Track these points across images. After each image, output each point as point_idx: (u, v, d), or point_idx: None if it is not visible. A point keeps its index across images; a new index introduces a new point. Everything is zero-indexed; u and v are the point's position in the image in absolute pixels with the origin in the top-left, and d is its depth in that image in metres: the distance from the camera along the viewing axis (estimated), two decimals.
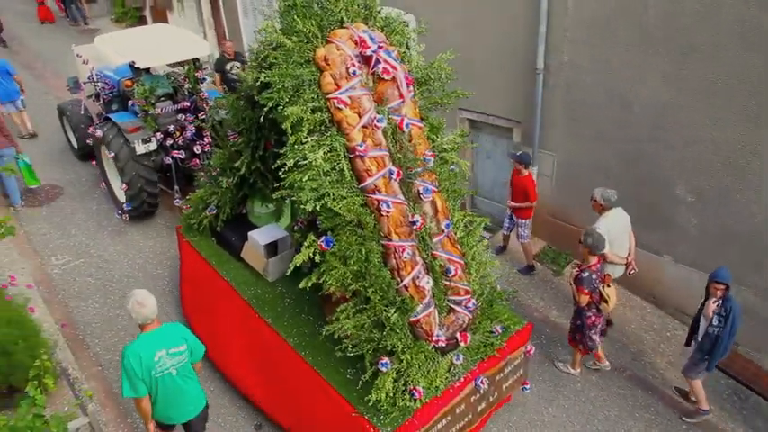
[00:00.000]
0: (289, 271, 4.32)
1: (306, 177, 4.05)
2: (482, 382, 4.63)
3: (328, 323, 4.37)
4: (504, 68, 7.45)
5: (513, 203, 7.20)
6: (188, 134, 8.07)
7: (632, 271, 6.19)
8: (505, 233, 7.79)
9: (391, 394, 4.20)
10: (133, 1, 16.75)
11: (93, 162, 8.68)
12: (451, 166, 4.94)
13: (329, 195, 4.08)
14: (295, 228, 5.47)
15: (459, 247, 4.75)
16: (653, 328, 6.65)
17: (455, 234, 4.76)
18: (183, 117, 8.21)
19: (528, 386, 5.52)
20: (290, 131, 4.12)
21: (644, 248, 6.59)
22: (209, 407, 4.68)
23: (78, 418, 4.74)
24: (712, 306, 5.06)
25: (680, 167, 6.18)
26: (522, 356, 5.16)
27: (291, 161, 4.08)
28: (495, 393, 5.02)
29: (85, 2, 17.99)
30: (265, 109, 4.30)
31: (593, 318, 5.64)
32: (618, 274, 6.21)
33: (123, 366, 4.09)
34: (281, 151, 4.22)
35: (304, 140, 4.12)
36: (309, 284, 4.27)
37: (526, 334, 5.11)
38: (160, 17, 15.78)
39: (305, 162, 4.06)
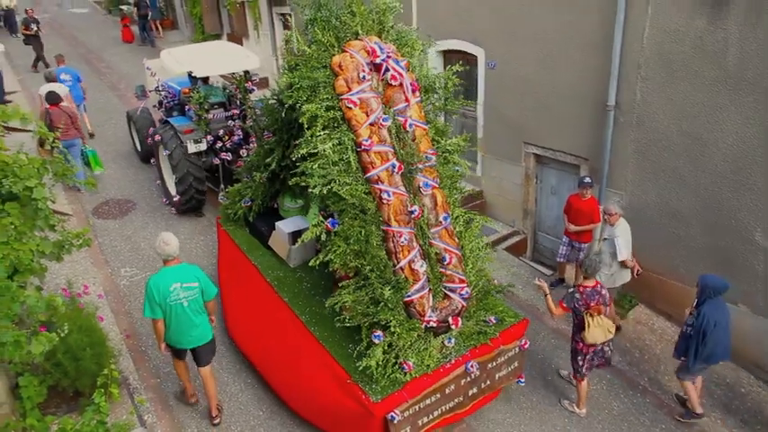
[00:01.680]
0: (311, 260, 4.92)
1: (316, 165, 4.69)
2: (472, 367, 5.00)
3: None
4: (573, 103, 7.34)
5: (575, 227, 7.09)
6: (235, 138, 8.81)
7: (639, 271, 6.48)
8: (561, 260, 7.60)
9: (382, 364, 4.64)
10: (212, 28, 17.63)
11: (152, 161, 9.61)
12: (456, 167, 5.49)
13: (336, 182, 4.67)
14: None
15: (456, 240, 5.20)
16: (725, 382, 6.25)
17: (454, 227, 5.23)
18: (233, 123, 8.94)
19: (523, 380, 5.75)
20: (306, 126, 4.76)
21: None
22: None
23: (136, 428, 4.87)
24: (689, 307, 5.38)
25: (760, 212, 5.86)
26: (518, 350, 5.44)
27: (305, 150, 4.73)
28: (488, 381, 5.33)
29: (160, 28, 19.79)
30: (286, 106, 5.05)
31: (580, 344, 5.48)
32: (627, 280, 6.51)
33: (146, 292, 4.96)
34: (297, 142, 4.90)
35: (318, 134, 4.73)
36: (317, 263, 4.86)
37: (522, 328, 5.43)
38: (236, 43, 16.50)
39: (316, 152, 4.69)
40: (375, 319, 4.70)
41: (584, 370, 5.59)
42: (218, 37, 17.56)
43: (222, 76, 9.83)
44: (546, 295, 5.54)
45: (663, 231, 6.79)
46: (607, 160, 7.08)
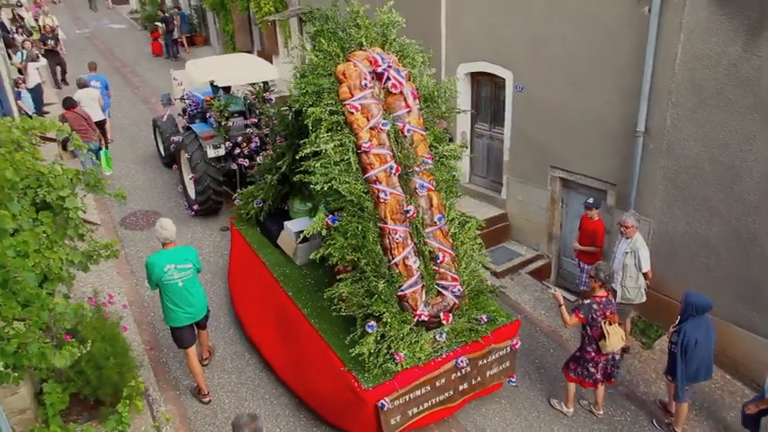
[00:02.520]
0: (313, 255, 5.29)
1: (319, 164, 5.04)
2: (462, 362, 5.24)
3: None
4: (602, 128, 7.28)
5: (578, 246, 7.17)
6: (253, 145, 9.21)
7: (648, 284, 6.48)
8: (584, 288, 7.47)
9: (374, 352, 4.91)
10: (243, 45, 17.97)
11: (174, 167, 10.18)
12: (453, 172, 5.82)
13: (336, 180, 5.00)
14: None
15: (450, 240, 5.49)
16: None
17: (449, 229, 5.52)
18: (251, 131, 9.33)
19: (514, 379, 5.99)
20: (311, 128, 5.14)
21: (749, 330, 6.08)
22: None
23: None
24: (672, 325, 5.46)
25: None
26: (509, 349, 5.65)
27: (309, 150, 5.10)
28: (479, 378, 5.53)
29: (185, 43, 20.53)
30: (293, 109, 5.50)
31: (592, 354, 5.54)
32: (640, 298, 6.47)
33: (146, 270, 5.65)
34: (302, 142, 5.26)
35: (321, 136, 5.08)
36: (318, 256, 5.22)
37: (514, 329, 5.68)
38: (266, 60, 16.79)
39: (319, 151, 5.04)
40: (369, 311, 4.99)
41: (599, 376, 5.65)
42: (248, 54, 17.88)
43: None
44: (560, 305, 5.55)
45: (691, 260, 6.65)
46: (635, 186, 6.98)
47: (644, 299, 6.53)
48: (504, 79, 8.51)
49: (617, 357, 5.66)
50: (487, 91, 9.21)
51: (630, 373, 6.62)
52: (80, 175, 4.83)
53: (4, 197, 3.86)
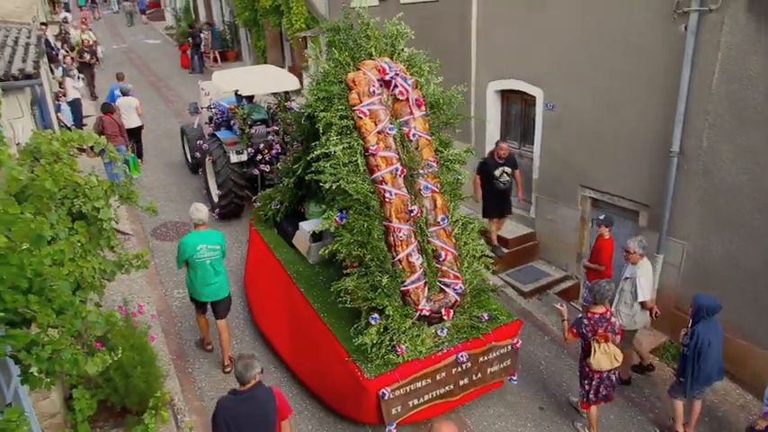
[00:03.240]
0: (324, 252, 5.63)
1: (328, 164, 5.35)
2: (462, 357, 5.42)
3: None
4: (634, 148, 7.16)
5: (589, 264, 6.99)
6: (274, 152, 9.59)
7: (657, 314, 6.38)
8: (585, 304, 7.31)
9: (377, 343, 5.14)
10: (274, 60, 18.28)
11: (200, 171, 10.73)
12: (457, 175, 6.06)
13: (344, 179, 5.28)
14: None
15: (453, 240, 5.71)
16: None
17: (452, 229, 5.75)
18: (272, 138, 9.72)
19: (515, 377, 6.09)
20: (322, 131, 5.47)
21: None
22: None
23: None
24: (684, 328, 5.48)
25: None
26: (510, 348, 5.80)
27: (319, 151, 5.44)
28: (480, 374, 5.69)
29: (215, 57, 21.34)
30: (305, 114, 5.90)
31: (587, 369, 5.49)
32: (647, 321, 6.42)
33: (178, 249, 6.17)
34: (313, 144, 5.62)
35: (332, 139, 5.39)
36: (326, 252, 5.56)
37: (515, 328, 5.85)
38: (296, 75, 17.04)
39: (329, 153, 5.37)
40: (373, 304, 5.22)
41: (591, 395, 5.58)
42: None
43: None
44: (563, 320, 5.58)
45: (726, 285, 6.45)
46: (668, 208, 6.83)
47: (637, 327, 6.32)
48: (534, 97, 8.46)
49: (612, 378, 5.54)
50: (517, 108, 9.18)
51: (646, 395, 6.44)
52: (114, 187, 4.93)
53: (43, 207, 3.95)
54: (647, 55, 6.74)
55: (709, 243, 6.59)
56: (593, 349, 5.30)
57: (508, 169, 8.12)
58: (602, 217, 6.97)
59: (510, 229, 9.12)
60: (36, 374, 3.18)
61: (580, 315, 5.50)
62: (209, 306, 6.53)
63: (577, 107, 7.80)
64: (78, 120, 13.61)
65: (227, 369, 6.55)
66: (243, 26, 19.98)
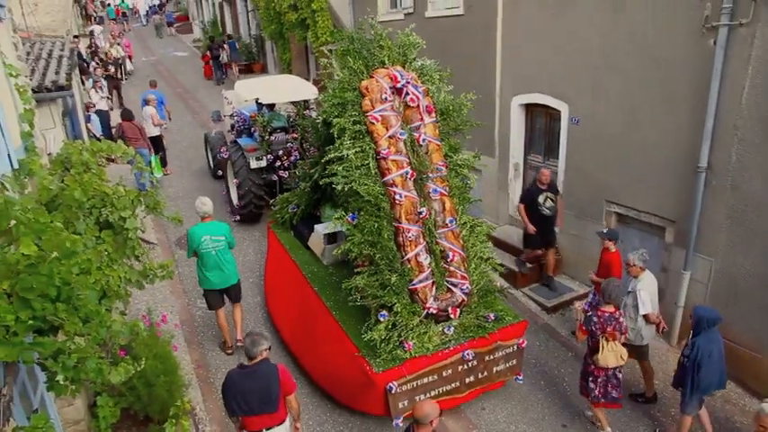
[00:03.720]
0: (337, 251, 5.87)
1: (341, 167, 5.57)
2: (468, 355, 5.59)
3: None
4: (660, 163, 7.05)
5: (595, 278, 6.86)
6: (292, 158, 9.91)
7: (664, 329, 6.33)
8: (586, 308, 7.16)
9: (385, 339, 5.32)
10: (299, 73, 18.47)
11: (219, 172, 11.20)
12: (466, 180, 6.27)
13: (356, 181, 5.49)
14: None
15: (461, 241, 5.90)
16: None
17: (460, 231, 5.94)
18: (291, 145, 10.06)
19: (521, 377, 6.25)
20: (336, 136, 5.70)
21: None
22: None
23: None
24: (685, 339, 5.51)
25: None
26: (516, 348, 5.98)
27: (333, 155, 5.66)
28: (485, 373, 5.87)
29: (235, 69, 21.97)
30: (320, 120, 6.20)
31: (591, 366, 5.61)
32: (652, 335, 6.29)
33: (187, 239, 6.67)
34: (327, 148, 5.90)
35: (345, 143, 5.62)
36: (339, 252, 5.82)
37: (521, 329, 6.00)
38: (321, 90, 17.20)
39: (342, 156, 5.59)
40: (382, 301, 5.42)
41: (597, 393, 5.64)
42: None
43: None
44: (577, 320, 5.77)
45: (757, 303, 6.29)
46: (696, 224, 6.70)
47: (644, 342, 6.20)
48: (559, 111, 8.41)
49: (618, 376, 5.61)
50: (542, 122, 9.12)
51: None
52: (141, 197, 5.01)
53: (72, 216, 4.03)
54: (675, 69, 6.66)
55: (738, 260, 6.44)
56: (600, 346, 5.41)
57: (552, 195, 7.99)
58: (605, 230, 6.97)
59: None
60: (62, 382, 3.23)
61: (590, 313, 5.58)
62: (225, 299, 6.94)
63: (603, 121, 7.72)
64: (107, 130, 13.91)
65: (239, 343, 6.85)
66: (269, 39, 20.27)
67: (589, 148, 8.02)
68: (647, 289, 6.04)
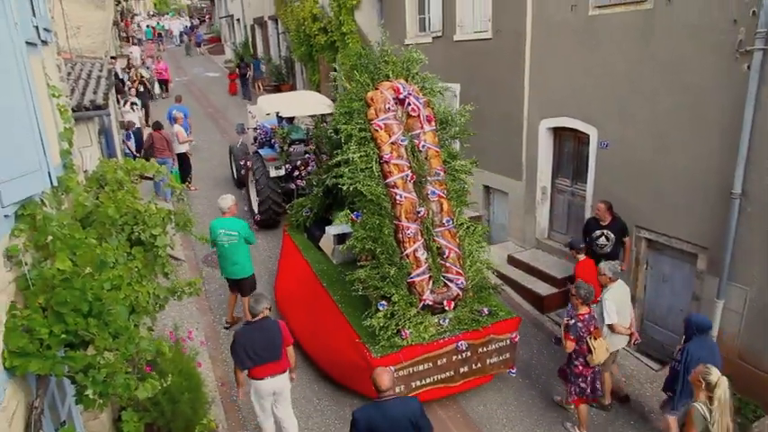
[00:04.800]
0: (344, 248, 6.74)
1: (347, 170, 6.10)
2: (462, 346, 6.00)
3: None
4: (692, 188, 6.93)
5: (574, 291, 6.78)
6: (309, 168, 10.32)
7: (636, 341, 6.57)
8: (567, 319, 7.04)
9: (384, 327, 5.72)
10: (326, 93, 18.72)
11: (242, 169, 11.93)
12: (463, 184, 6.66)
13: (360, 183, 5.98)
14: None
15: (457, 240, 6.31)
16: None
17: (456, 230, 6.35)
18: (308, 156, 10.51)
19: (514, 370, 6.64)
20: (343, 141, 6.26)
21: None
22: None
23: None
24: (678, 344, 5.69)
25: None
26: (508, 342, 6.35)
27: (340, 158, 6.22)
28: (479, 364, 6.24)
29: (260, 87, 23.67)
30: (329, 126, 6.80)
31: (580, 368, 5.89)
32: (621, 345, 6.57)
33: (209, 230, 7.31)
34: (336, 152, 6.44)
35: (351, 148, 6.13)
36: (345, 248, 6.67)
37: (514, 324, 6.39)
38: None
39: (348, 160, 6.11)
40: (382, 292, 5.85)
41: (589, 390, 5.95)
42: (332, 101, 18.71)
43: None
44: (565, 338, 5.95)
45: None
46: (729, 251, 6.53)
47: (611, 350, 6.32)
48: (587, 135, 8.35)
49: (597, 370, 6.00)
50: (570, 146, 9.06)
51: None
52: (171, 215, 5.10)
53: (105, 232, 4.12)
54: (707, 94, 6.57)
55: None
56: (591, 347, 5.71)
57: (611, 234, 7.48)
58: (571, 241, 7.43)
59: (560, 267, 8.92)
60: (91, 396, 3.27)
61: (572, 321, 5.78)
62: (237, 284, 7.66)
63: (633, 146, 7.63)
64: (140, 148, 14.25)
65: (227, 326, 7.92)
66: (298, 61, 20.62)
67: (618, 172, 7.93)
68: (613, 299, 6.21)
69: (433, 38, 11.63)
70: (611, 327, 6.22)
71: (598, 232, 7.58)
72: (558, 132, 9.14)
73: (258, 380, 5.30)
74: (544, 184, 9.48)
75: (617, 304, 6.21)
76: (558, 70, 8.67)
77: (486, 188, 11.06)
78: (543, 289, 8.76)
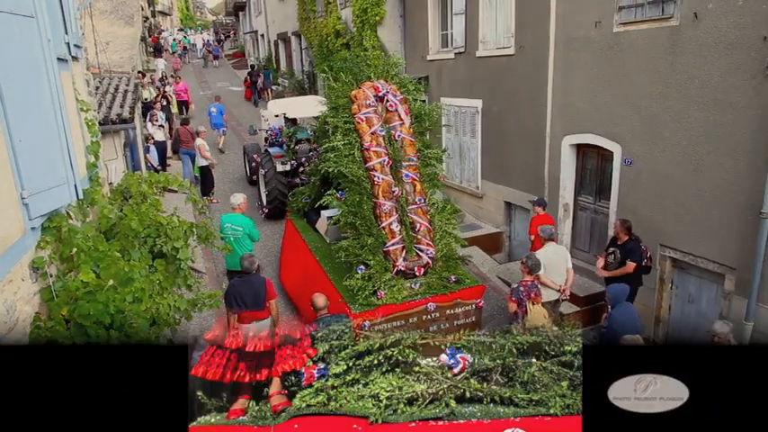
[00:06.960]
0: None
1: (333, 155, 6.94)
2: (431, 307, 6.71)
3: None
4: (719, 208, 6.79)
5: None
6: (313, 165, 10.45)
7: (563, 298, 7.49)
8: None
9: (362, 287, 6.49)
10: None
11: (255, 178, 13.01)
12: (435, 169, 7.57)
13: (344, 166, 6.83)
14: None
15: (428, 216, 7.12)
16: None
17: (428, 208, 7.17)
18: (312, 153, 11.19)
19: (481, 333, 7.15)
20: (330, 132, 7.12)
21: None
22: None
23: None
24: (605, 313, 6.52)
25: None
26: (474, 307, 7.02)
27: (327, 145, 7.05)
28: (447, 325, 6.87)
29: (269, 94, 24.83)
30: (323, 119, 7.67)
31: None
32: (552, 298, 7.29)
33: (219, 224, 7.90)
34: (323, 141, 7.37)
35: (337, 137, 6.99)
36: (332, 222, 7.50)
37: (479, 291, 7.07)
38: None
39: (334, 146, 6.96)
40: (361, 258, 6.67)
41: None
42: None
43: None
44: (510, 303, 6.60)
45: None
46: (759, 272, 6.37)
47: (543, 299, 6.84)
48: (611, 152, 8.25)
49: None
50: (593, 163, 8.97)
51: None
52: (194, 228, 5.14)
53: (128, 245, 4.17)
54: (734, 111, 6.46)
55: None
56: (528, 309, 6.25)
57: (618, 254, 7.38)
58: (535, 198, 8.65)
59: (582, 286, 8.78)
60: None
61: (515, 285, 6.48)
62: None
63: (657, 163, 7.52)
64: (162, 161, 14.45)
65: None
66: (320, 74, 20.81)
67: (643, 190, 7.81)
68: (543, 256, 7.05)
69: (456, 53, 11.65)
70: (537, 277, 6.93)
71: (610, 249, 7.53)
72: (581, 149, 9.05)
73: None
74: (566, 201, 9.38)
75: (546, 261, 7.04)
76: (582, 87, 8.61)
77: (508, 204, 10.97)
78: (564, 307, 8.62)
